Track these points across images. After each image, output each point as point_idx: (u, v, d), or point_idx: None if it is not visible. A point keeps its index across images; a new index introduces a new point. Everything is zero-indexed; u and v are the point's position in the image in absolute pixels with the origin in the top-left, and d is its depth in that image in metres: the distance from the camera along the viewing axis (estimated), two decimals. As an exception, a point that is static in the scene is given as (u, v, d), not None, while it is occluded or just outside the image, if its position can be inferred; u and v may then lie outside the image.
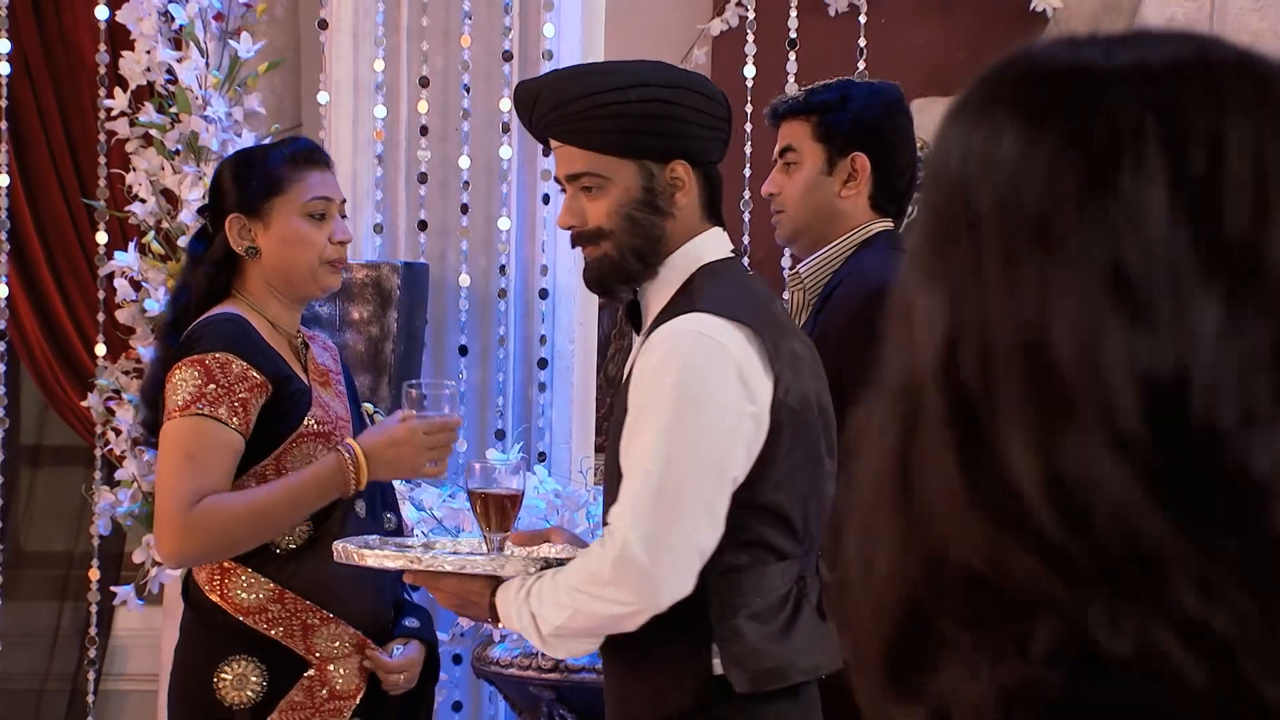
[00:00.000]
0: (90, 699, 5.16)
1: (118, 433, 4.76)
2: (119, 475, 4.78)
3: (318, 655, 2.95)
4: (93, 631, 5.11)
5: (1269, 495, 0.77)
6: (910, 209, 3.47)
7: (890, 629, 0.86)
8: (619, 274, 2.63)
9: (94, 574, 5.04)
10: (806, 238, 3.24)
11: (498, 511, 2.67)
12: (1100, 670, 0.78)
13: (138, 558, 4.73)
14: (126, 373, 4.81)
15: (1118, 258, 0.79)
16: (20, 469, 5.61)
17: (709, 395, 2.47)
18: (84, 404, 4.90)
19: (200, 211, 3.17)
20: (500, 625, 2.61)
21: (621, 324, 3.37)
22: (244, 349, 2.94)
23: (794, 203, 3.22)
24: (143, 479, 4.68)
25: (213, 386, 2.88)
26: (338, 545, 2.73)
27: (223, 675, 2.93)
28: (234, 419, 2.90)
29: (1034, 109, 0.84)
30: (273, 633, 2.94)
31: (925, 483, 0.84)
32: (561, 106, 2.61)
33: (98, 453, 4.92)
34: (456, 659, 4.54)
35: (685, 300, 2.58)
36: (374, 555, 2.68)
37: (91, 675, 5.14)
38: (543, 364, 4.73)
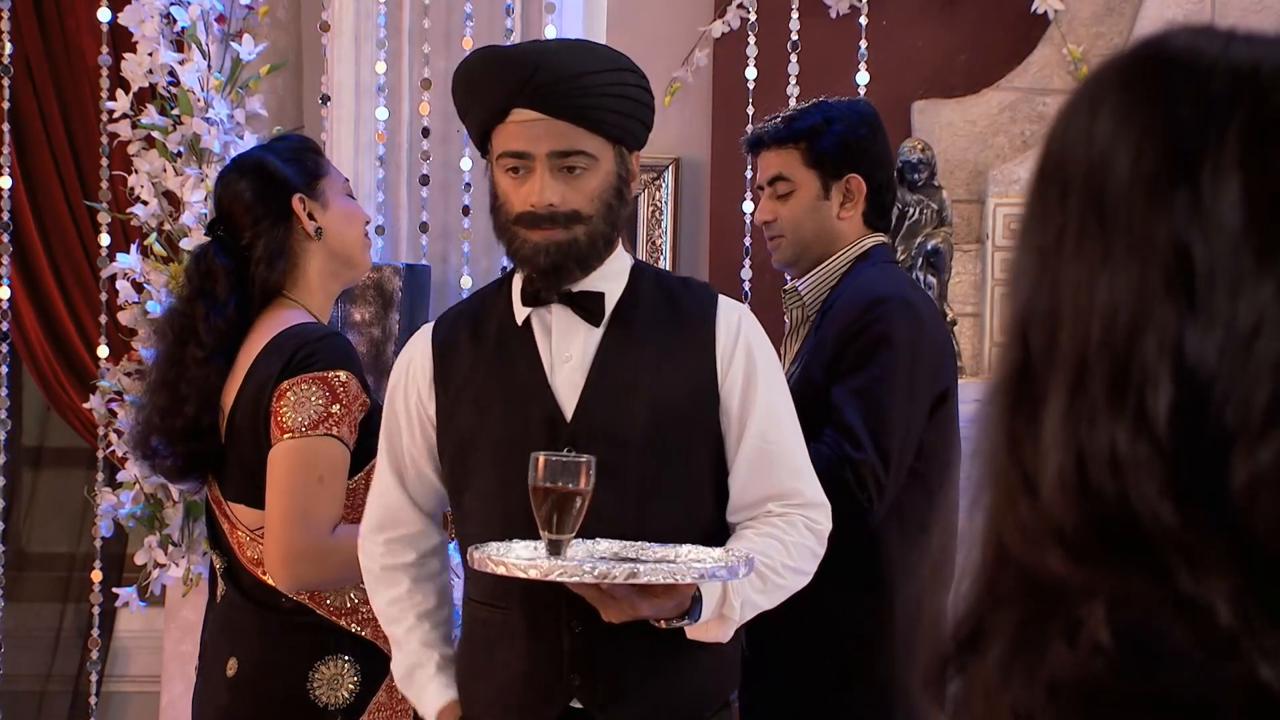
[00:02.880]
0: (92, 700, 5.16)
1: (120, 434, 4.76)
2: (121, 477, 4.78)
3: None
4: (95, 633, 5.12)
5: (1251, 502, 0.78)
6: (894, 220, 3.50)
7: (949, 632, 0.87)
8: (580, 260, 2.56)
9: (96, 575, 5.04)
10: (807, 259, 3.26)
11: (559, 511, 2.41)
12: (1149, 658, 0.79)
13: (139, 559, 4.73)
14: (129, 374, 4.81)
15: (1183, 247, 0.80)
16: (22, 471, 5.62)
17: None
18: (86, 406, 4.90)
19: (229, 215, 3.07)
20: (681, 621, 2.45)
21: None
22: (357, 367, 2.94)
23: (794, 228, 3.24)
24: (144, 480, 4.68)
25: (338, 407, 2.87)
26: (478, 554, 2.40)
27: (318, 675, 2.91)
28: (350, 440, 2.90)
29: (1135, 90, 0.84)
30: (364, 633, 2.93)
31: (991, 458, 0.86)
32: (570, 79, 2.51)
33: (100, 454, 4.92)
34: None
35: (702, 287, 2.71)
36: (560, 569, 2.31)
37: (94, 676, 5.15)
38: (544, 365, 4.73)
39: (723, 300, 2.65)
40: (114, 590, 4.84)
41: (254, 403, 2.91)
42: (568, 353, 2.58)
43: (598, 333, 2.59)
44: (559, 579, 2.27)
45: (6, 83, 4.98)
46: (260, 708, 2.95)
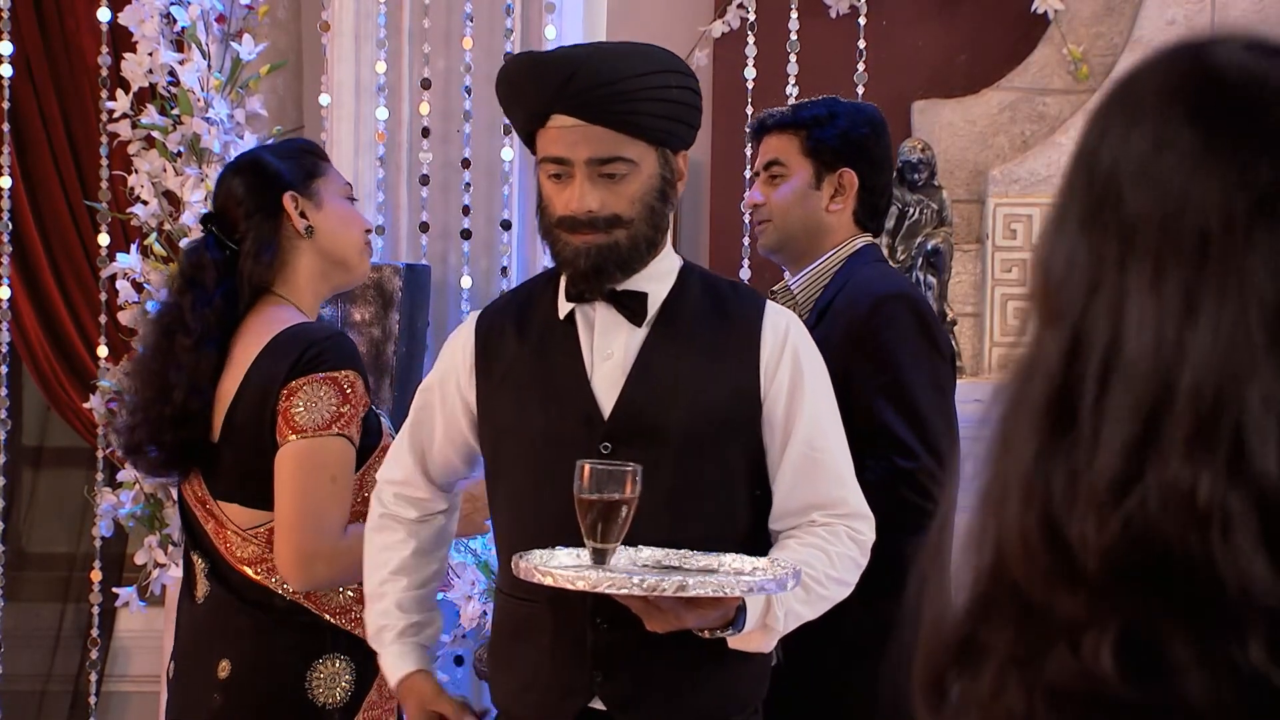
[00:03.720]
0: (92, 700, 5.17)
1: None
2: (121, 477, 4.78)
3: None
4: (94, 633, 5.12)
5: None
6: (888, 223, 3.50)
7: (949, 633, 0.86)
8: (620, 264, 2.55)
9: (96, 575, 5.04)
10: (791, 248, 3.28)
11: (605, 520, 2.34)
12: (1161, 672, 0.77)
13: (139, 559, 4.73)
14: (129, 374, 4.81)
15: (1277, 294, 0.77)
16: (22, 471, 5.62)
17: None
18: (86, 406, 4.91)
19: (222, 211, 3.06)
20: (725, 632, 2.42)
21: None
22: (361, 366, 2.94)
23: (781, 213, 3.26)
24: (144, 480, 4.68)
25: (348, 407, 2.87)
26: (524, 564, 2.36)
27: (316, 674, 2.91)
28: (356, 440, 2.90)
29: (1208, 120, 0.81)
30: (359, 631, 2.93)
31: (1007, 461, 0.83)
32: (608, 85, 2.48)
33: (100, 454, 4.93)
34: (458, 660, 4.55)
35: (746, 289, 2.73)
36: (610, 581, 2.26)
37: (93, 676, 5.15)
38: (544, 365, 4.73)
39: (770, 305, 2.64)
40: (114, 590, 4.84)
41: (258, 402, 2.89)
42: (609, 350, 2.58)
43: (640, 332, 2.58)
44: (608, 591, 2.23)
45: (6, 82, 4.98)
46: (257, 708, 2.93)
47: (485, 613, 4.31)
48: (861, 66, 5.15)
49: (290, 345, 2.90)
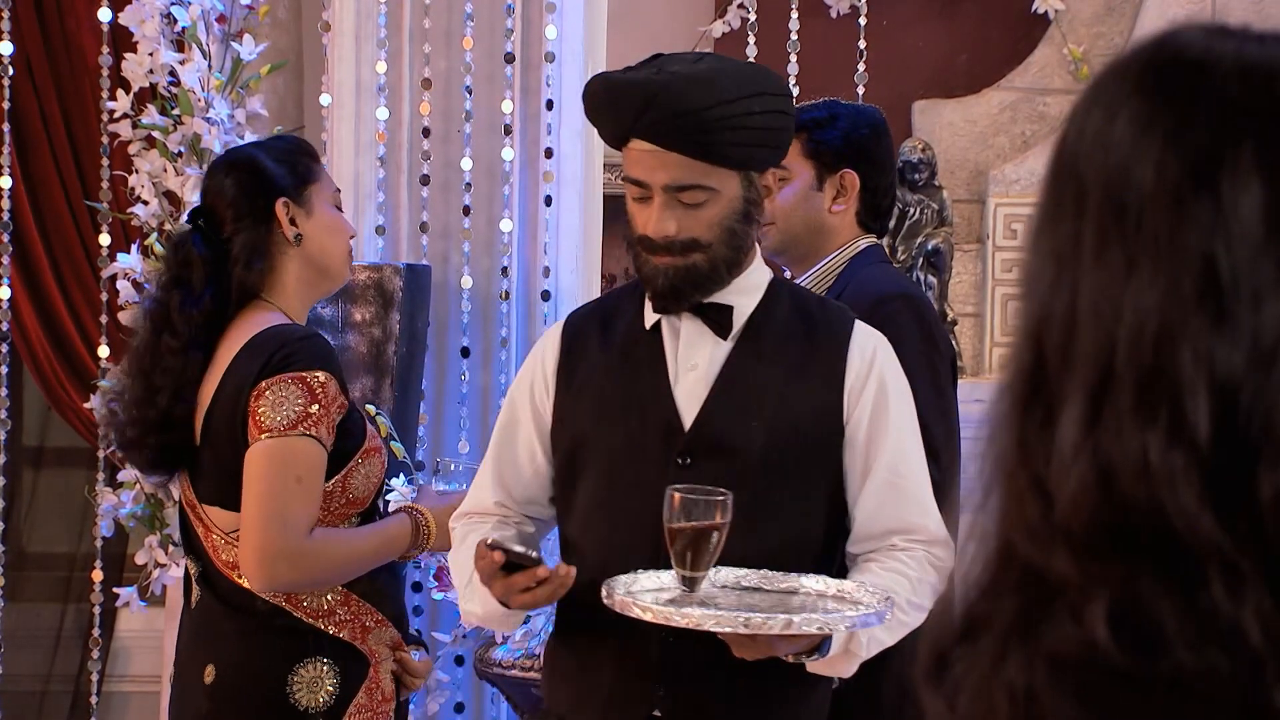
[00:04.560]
0: (93, 700, 5.16)
1: (120, 434, 4.76)
2: (121, 477, 4.78)
3: (375, 657, 2.97)
4: (95, 633, 5.12)
5: (1277, 515, 0.78)
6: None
7: (955, 616, 0.87)
8: (698, 285, 2.54)
9: (97, 575, 5.04)
10: (795, 251, 3.28)
11: (695, 548, 2.30)
12: (1159, 641, 0.79)
13: (140, 559, 4.73)
14: (124, 370, 4.81)
15: (1209, 258, 0.80)
16: (23, 471, 5.62)
17: None
18: (86, 406, 4.90)
19: (211, 208, 3.04)
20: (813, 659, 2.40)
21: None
22: (336, 368, 2.91)
23: (784, 215, 3.26)
24: (145, 480, 4.68)
25: (316, 407, 2.84)
26: (619, 596, 2.31)
27: (298, 678, 2.90)
28: (328, 442, 2.88)
29: (1151, 94, 0.84)
30: (342, 634, 2.93)
31: (1000, 458, 0.86)
32: (686, 115, 2.44)
33: (100, 454, 4.92)
34: (459, 660, 4.55)
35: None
36: (701, 616, 2.22)
37: (94, 676, 5.15)
38: (545, 365, 4.73)
39: (859, 326, 2.63)
40: (115, 590, 4.83)
41: (232, 403, 2.88)
42: (693, 361, 2.56)
43: (726, 345, 2.57)
44: (713, 629, 2.21)
45: (7, 82, 4.98)
46: (241, 713, 2.93)
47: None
48: (862, 66, 5.15)
49: (264, 345, 2.88)
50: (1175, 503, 0.79)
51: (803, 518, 2.55)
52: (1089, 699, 0.80)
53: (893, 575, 2.49)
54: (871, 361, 2.58)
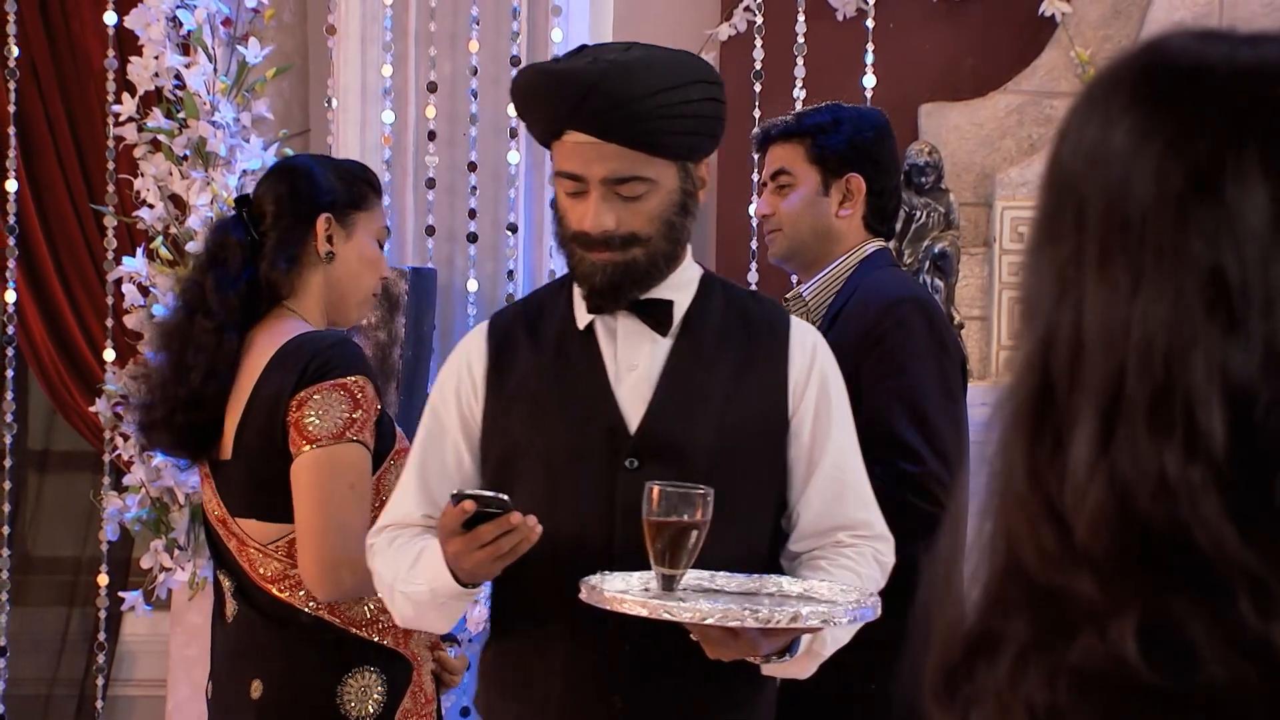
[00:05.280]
0: (98, 704, 5.16)
1: (126, 438, 4.76)
2: (127, 481, 4.78)
3: (418, 660, 2.96)
4: (101, 637, 5.12)
5: None
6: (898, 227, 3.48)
7: (963, 629, 0.86)
8: (637, 281, 2.47)
9: (102, 579, 5.04)
10: (803, 256, 3.27)
11: (675, 545, 2.26)
12: (1189, 657, 0.78)
13: (145, 563, 4.72)
14: (134, 378, 4.80)
15: (1217, 266, 0.78)
16: (28, 475, 5.61)
17: None
18: (92, 410, 4.90)
19: (258, 201, 3.03)
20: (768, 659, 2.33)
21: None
22: (370, 370, 2.90)
23: (791, 222, 3.25)
24: (150, 484, 4.68)
25: (360, 413, 2.83)
26: (590, 584, 2.26)
27: (347, 689, 2.89)
28: (371, 444, 2.86)
29: (1149, 104, 0.83)
30: (385, 641, 2.92)
31: (1005, 477, 0.84)
32: (627, 104, 2.37)
33: (106, 458, 4.92)
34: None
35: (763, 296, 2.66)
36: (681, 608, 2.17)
37: (99, 681, 5.15)
38: (551, 369, 4.73)
39: (795, 321, 2.58)
40: (120, 594, 4.83)
41: (268, 416, 2.87)
42: (633, 361, 2.48)
43: (665, 343, 2.50)
44: (720, 623, 2.13)
45: (12, 86, 4.98)
46: None
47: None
48: (869, 69, 5.14)
49: (297, 355, 2.88)
50: (1197, 518, 0.77)
51: (753, 520, 2.49)
52: (1117, 716, 0.78)
53: (844, 573, 2.45)
54: (813, 357, 2.53)
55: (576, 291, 2.54)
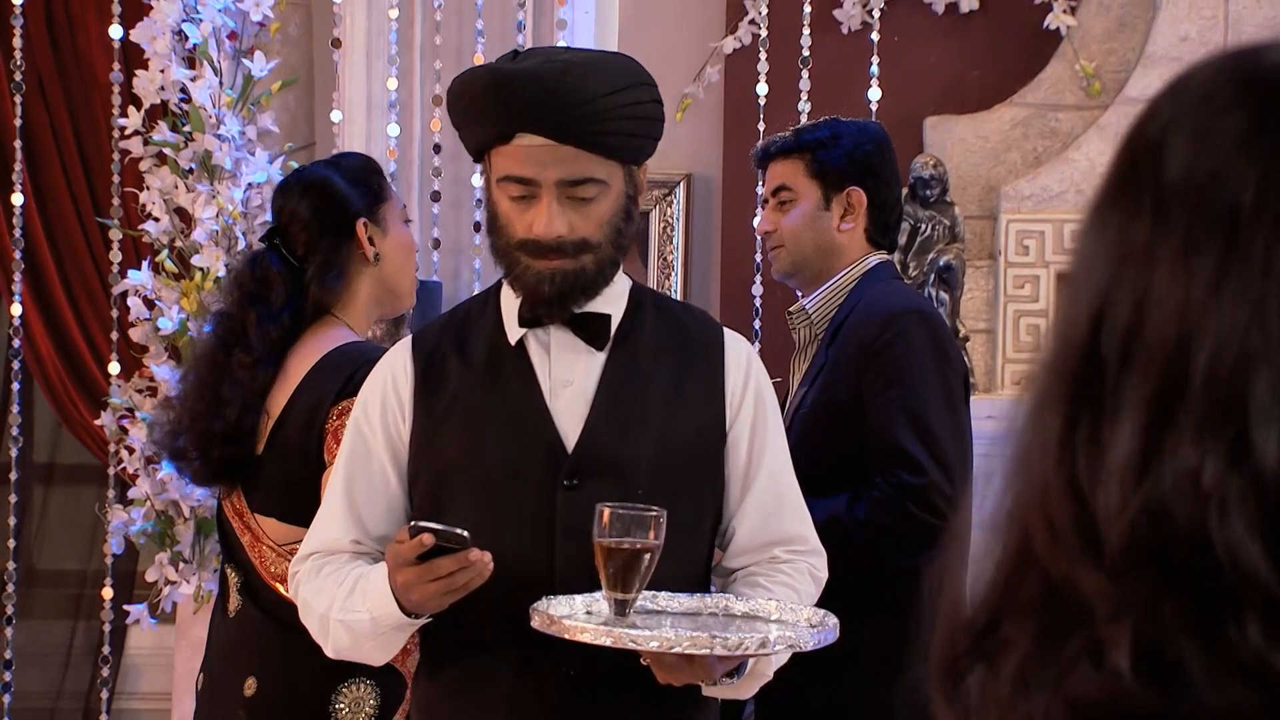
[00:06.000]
0: (103, 718, 5.16)
1: (131, 451, 4.76)
2: (132, 494, 4.78)
3: (411, 678, 2.97)
4: (106, 650, 5.11)
5: None
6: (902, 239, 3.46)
7: (965, 625, 0.85)
8: (585, 289, 2.39)
9: (107, 593, 5.04)
10: (806, 272, 3.27)
11: (628, 569, 2.18)
12: (1182, 677, 0.77)
13: (150, 576, 4.72)
14: (140, 391, 4.81)
15: None
16: (33, 488, 5.62)
17: None
18: (97, 423, 4.90)
19: (286, 229, 3.03)
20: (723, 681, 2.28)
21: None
22: None
23: (793, 238, 3.25)
24: (155, 497, 4.68)
25: None
26: (545, 613, 2.18)
27: (341, 698, 2.89)
28: None
29: (1257, 108, 0.81)
30: None
31: (1032, 449, 0.83)
32: (583, 105, 2.31)
33: (111, 471, 4.92)
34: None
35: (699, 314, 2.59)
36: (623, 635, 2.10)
37: (104, 694, 5.14)
38: (556, 382, 4.73)
39: (729, 334, 2.53)
40: (125, 607, 4.83)
41: (307, 419, 2.89)
42: (568, 377, 2.41)
43: (600, 357, 2.42)
44: (689, 650, 2.06)
45: (18, 99, 4.99)
46: None
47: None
48: (874, 82, 5.15)
49: (341, 364, 2.89)
50: (1223, 527, 0.76)
51: (694, 537, 2.42)
52: None
53: (783, 589, 2.40)
54: (747, 370, 2.47)
55: (505, 305, 2.46)
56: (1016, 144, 5.33)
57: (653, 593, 2.28)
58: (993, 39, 5.34)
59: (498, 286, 2.49)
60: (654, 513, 2.18)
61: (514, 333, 2.43)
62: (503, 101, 2.32)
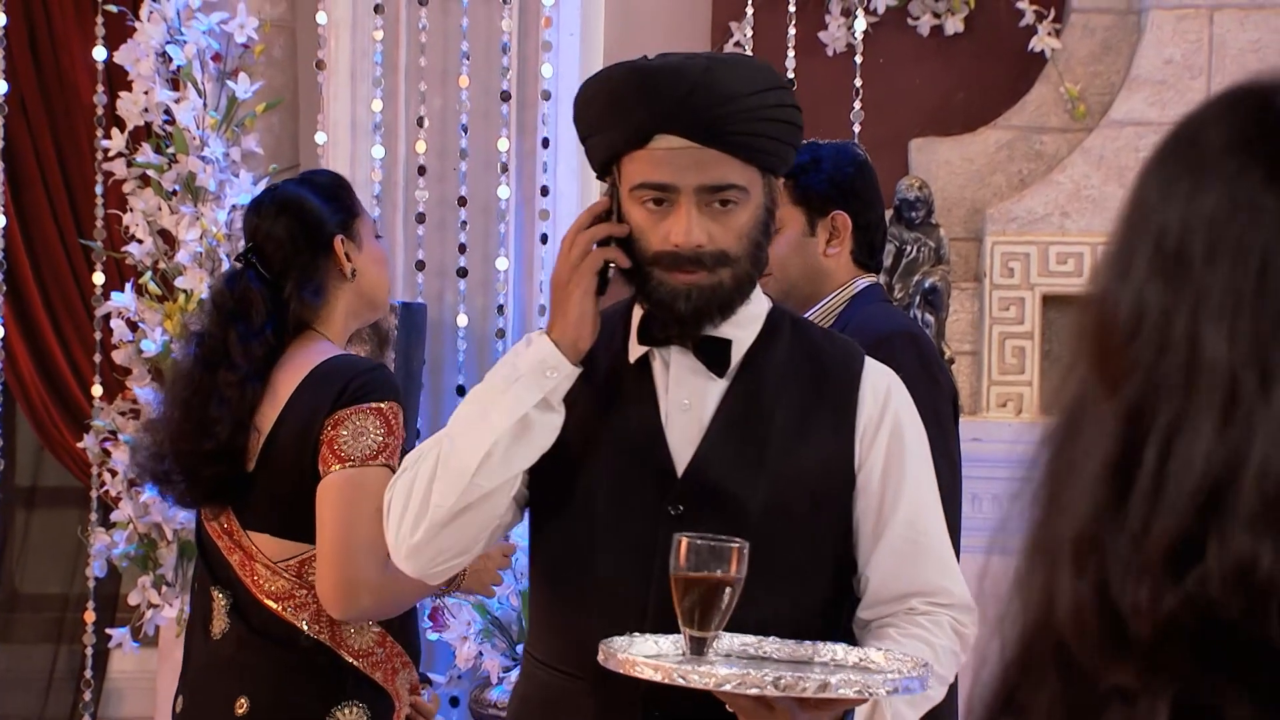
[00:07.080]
0: (85, 742, 5.13)
1: (113, 474, 4.74)
2: (115, 517, 4.76)
3: (399, 700, 2.96)
4: (88, 674, 5.08)
5: None
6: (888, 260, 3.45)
7: (991, 682, 0.83)
8: (723, 307, 2.22)
9: (89, 616, 5.01)
10: (795, 297, 3.26)
11: (705, 604, 2.04)
12: None
13: (133, 600, 4.70)
14: (123, 414, 4.79)
15: None
16: (16, 511, 5.59)
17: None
18: (80, 445, 4.88)
19: (261, 249, 3.01)
20: None
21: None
22: (401, 398, 2.94)
23: (780, 265, 3.24)
24: (138, 520, 4.66)
25: (392, 439, 2.85)
26: (617, 652, 2.03)
27: (334, 719, 2.89)
28: (396, 471, 2.88)
29: (1271, 156, 0.79)
30: (376, 675, 2.92)
31: (1059, 520, 0.80)
32: (727, 104, 2.16)
33: (93, 494, 4.90)
34: (454, 701, 4.51)
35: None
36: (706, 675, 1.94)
37: (86, 718, 5.11)
38: (540, 404, 4.72)
39: (870, 362, 2.34)
40: (107, 631, 4.81)
41: (300, 433, 2.88)
42: (685, 400, 2.26)
43: (721, 383, 2.26)
44: (737, 690, 1.91)
45: (1, 121, 4.97)
46: None
47: (481, 653, 4.28)
48: (859, 104, 5.15)
49: (334, 376, 2.90)
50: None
51: (808, 580, 2.26)
52: None
53: (915, 643, 2.20)
54: (885, 403, 2.30)
55: (634, 321, 2.31)
56: (1001, 166, 5.33)
57: (759, 638, 2.13)
58: (978, 61, 5.35)
59: (632, 301, 2.33)
60: (735, 544, 2.02)
61: (634, 351, 2.30)
62: (644, 99, 2.18)
